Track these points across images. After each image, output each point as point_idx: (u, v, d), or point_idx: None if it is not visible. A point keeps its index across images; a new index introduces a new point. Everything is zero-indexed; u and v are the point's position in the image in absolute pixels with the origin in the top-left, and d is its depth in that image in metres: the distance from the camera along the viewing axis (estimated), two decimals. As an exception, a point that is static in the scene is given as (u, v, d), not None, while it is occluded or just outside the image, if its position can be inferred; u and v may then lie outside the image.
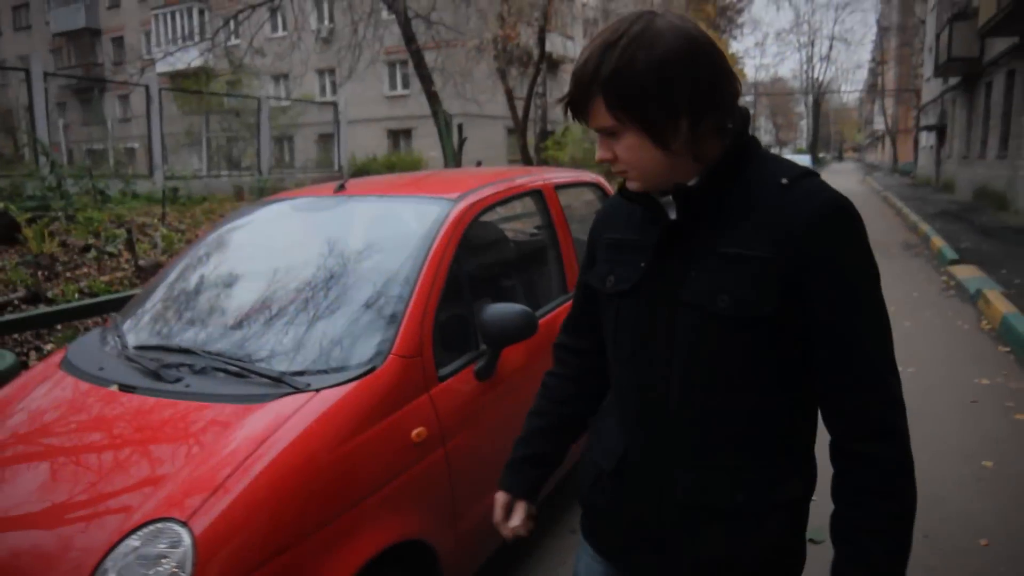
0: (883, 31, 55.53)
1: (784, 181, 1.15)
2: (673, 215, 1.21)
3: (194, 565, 1.55)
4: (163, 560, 1.56)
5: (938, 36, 22.94)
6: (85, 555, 1.60)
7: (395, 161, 24.95)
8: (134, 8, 38.95)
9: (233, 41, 24.65)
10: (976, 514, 3.33)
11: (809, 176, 1.16)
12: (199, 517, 1.61)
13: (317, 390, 1.96)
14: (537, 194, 3.31)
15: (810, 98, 54.87)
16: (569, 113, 1.16)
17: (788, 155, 37.18)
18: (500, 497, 1.47)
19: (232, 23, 16.38)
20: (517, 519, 1.46)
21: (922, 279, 9.07)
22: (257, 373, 2.03)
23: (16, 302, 5.19)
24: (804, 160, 29.89)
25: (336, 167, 21.77)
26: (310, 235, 2.81)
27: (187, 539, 1.58)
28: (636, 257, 1.25)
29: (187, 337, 2.36)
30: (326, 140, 28.35)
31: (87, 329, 4.96)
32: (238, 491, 1.67)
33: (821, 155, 60.57)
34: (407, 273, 2.31)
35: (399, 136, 30.42)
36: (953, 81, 24.22)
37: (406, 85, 29.93)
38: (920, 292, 8.23)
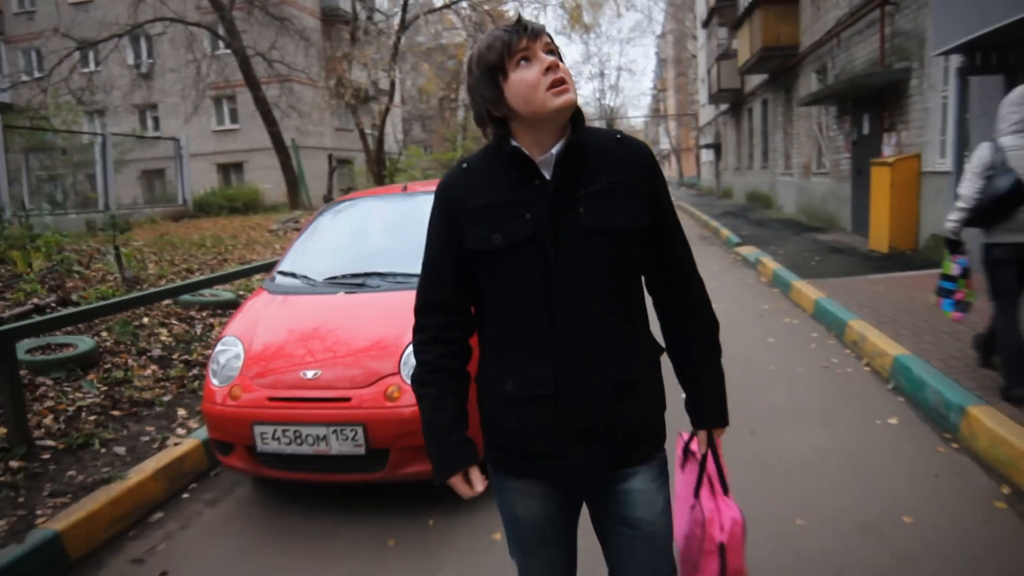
0: (662, 63, 62.70)
1: (618, 136, 1.60)
2: (547, 173, 1.52)
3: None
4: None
5: (709, 71, 27.47)
6: (395, 350, 3.44)
7: (234, 194, 25.47)
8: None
9: (36, 74, 24.03)
10: (761, 362, 5.75)
11: (624, 134, 1.61)
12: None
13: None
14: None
15: (603, 123, 60.60)
16: (526, 32, 1.48)
17: None
18: (458, 480, 1.59)
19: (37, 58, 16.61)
20: (480, 483, 1.59)
21: (718, 257, 12.08)
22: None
23: (53, 304, 6.35)
24: None
25: (180, 200, 22.12)
26: (398, 212, 4.69)
27: None
28: (518, 211, 1.51)
29: (359, 266, 4.15)
30: (149, 176, 28.25)
31: (123, 321, 6.27)
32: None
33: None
34: None
35: (230, 169, 30.73)
36: (724, 107, 28.95)
37: (234, 120, 30.42)
38: (718, 264, 11.14)
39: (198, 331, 6.48)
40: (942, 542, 2.96)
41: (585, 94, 57.12)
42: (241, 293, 7.71)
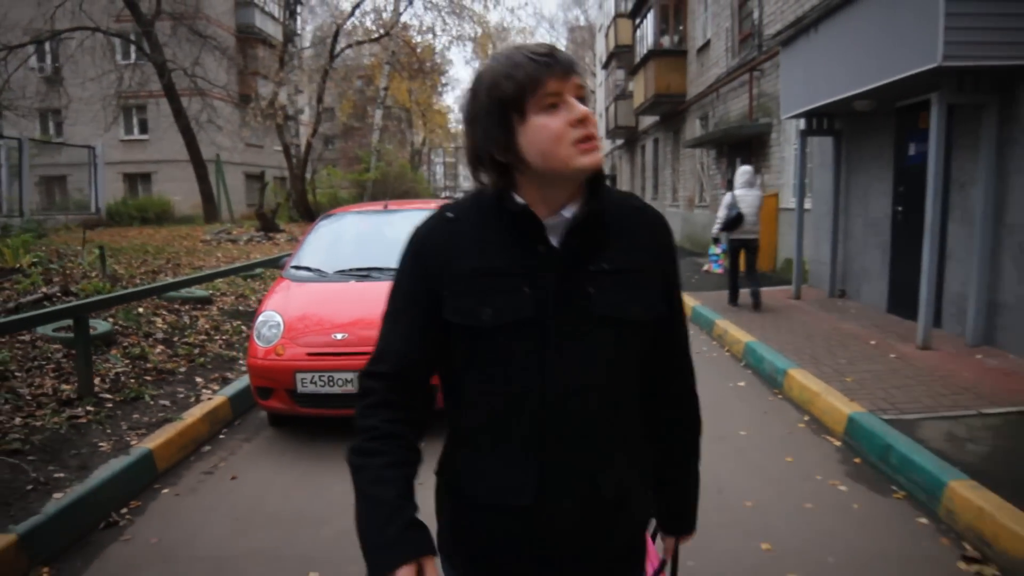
0: (561, 95, 65.69)
1: (638, 205, 1.34)
2: (554, 239, 1.24)
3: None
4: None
5: (607, 108, 29.90)
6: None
7: (145, 204, 25.66)
8: None
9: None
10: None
11: (643, 201, 1.38)
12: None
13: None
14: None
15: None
16: (558, 68, 1.18)
17: None
18: (406, 572, 1.15)
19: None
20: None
21: None
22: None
23: (59, 294, 7.31)
24: None
25: (94, 208, 22.29)
26: (384, 224, 6.10)
27: None
28: (514, 284, 1.22)
29: (363, 262, 5.54)
30: (49, 182, 27.96)
31: (126, 310, 7.33)
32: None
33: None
34: None
35: (137, 180, 30.67)
36: (620, 141, 31.49)
37: (144, 130, 30.45)
38: None
39: (187, 321, 7.61)
40: (764, 446, 4.67)
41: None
42: (212, 293, 8.83)
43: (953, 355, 6.06)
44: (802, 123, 9.59)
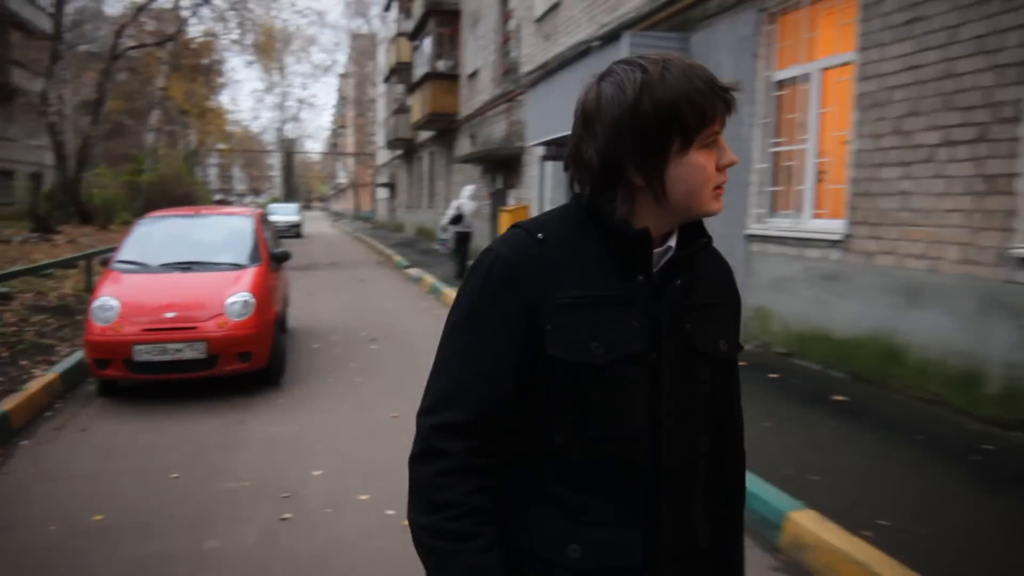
0: (343, 101, 66.29)
1: (706, 240, 1.19)
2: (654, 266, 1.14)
3: (255, 301, 6.33)
4: (246, 303, 6.31)
5: (387, 120, 31.54)
6: (219, 301, 6.23)
7: None
8: None
9: None
10: (422, 334, 9.25)
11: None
12: (252, 290, 6.39)
13: (249, 266, 6.77)
14: (261, 214, 8.26)
15: (282, 154, 62.31)
16: (729, 106, 1.08)
17: (270, 204, 41.56)
18: None
19: None
20: None
21: (391, 276, 15.79)
22: (230, 264, 6.74)
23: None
24: (291, 209, 34.76)
25: None
26: (197, 225, 7.35)
27: (251, 298, 6.34)
28: (622, 315, 1.10)
29: (184, 257, 6.78)
30: None
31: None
32: (257, 285, 6.50)
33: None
34: (254, 234, 7.21)
35: None
36: (399, 152, 33.22)
37: None
38: (391, 282, 14.83)
39: (-7, 311, 8.23)
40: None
41: (265, 123, 57.77)
42: (10, 290, 9.34)
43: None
44: (543, 150, 11.94)
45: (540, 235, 1.12)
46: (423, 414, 1.13)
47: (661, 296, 1.13)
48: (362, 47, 53.80)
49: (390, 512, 3.96)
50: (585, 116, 1.11)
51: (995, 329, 4.77)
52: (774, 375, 6.06)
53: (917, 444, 4.44)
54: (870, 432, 4.69)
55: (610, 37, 8.76)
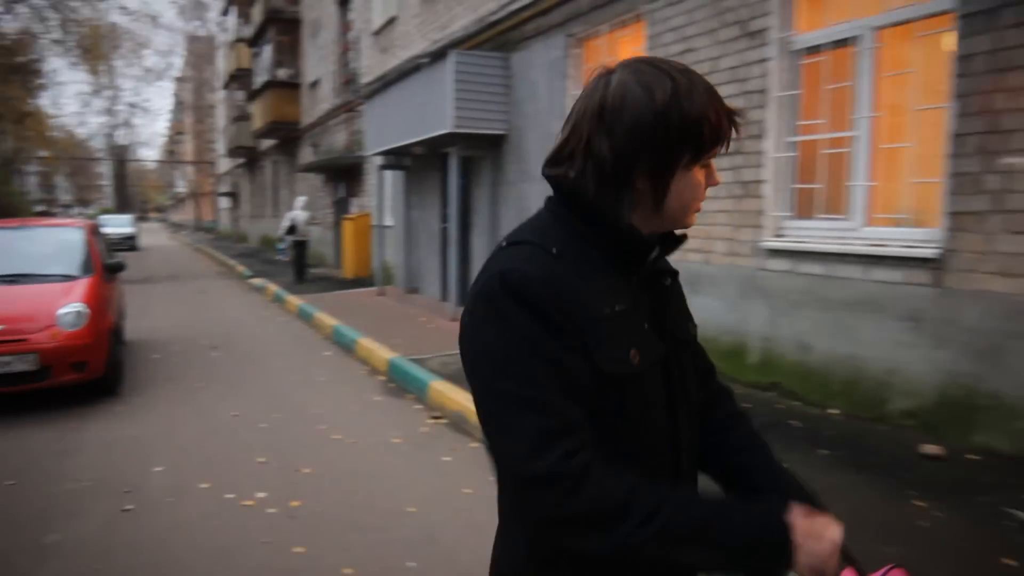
0: (181, 106, 63.16)
1: (682, 236, 1.22)
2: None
3: (89, 312, 6.39)
4: (79, 313, 6.35)
5: (227, 127, 30.68)
6: (50, 312, 6.24)
7: None
8: None
9: None
10: (264, 338, 9.44)
11: None
12: (85, 301, 6.43)
13: (81, 277, 6.79)
14: (93, 225, 8.19)
15: (112, 162, 58.45)
16: (737, 129, 1.11)
17: (101, 216, 39.30)
18: (799, 511, 1.05)
19: None
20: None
21: (235, 287, 15.66)
22: (61, 275, 6.73)
23: None
24: (125, 221, 33.42)
25: None
26: (25, 236, 7.23)
27: (84, 309, 6.39)
28: (638, 320, 1.11)
29: (7, 270, 6.68)
30: None
31: None
32: (91, 296, 6.54)
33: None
34: (86, 245, 7.21)
35: None
36: (241, 160, 32.36)
37: None
38: (234, 291, 14.74)
39: None
40: (340, 385, 6.99)
41: (93, 129, 54.06)
42: None
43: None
44: (381, 159, 12.37)
45: (554, 251, 1.06)
46: (526, 462, 0.97)
47: (653, 295, 1.17)
48: (200, 50, 51.60)
49: (229, 496, 4.30)
50: (603, 109, 1.06)
51: (753, 309, 5.76)
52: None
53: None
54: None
55: (438, 55, 9.35)
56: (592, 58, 7.87)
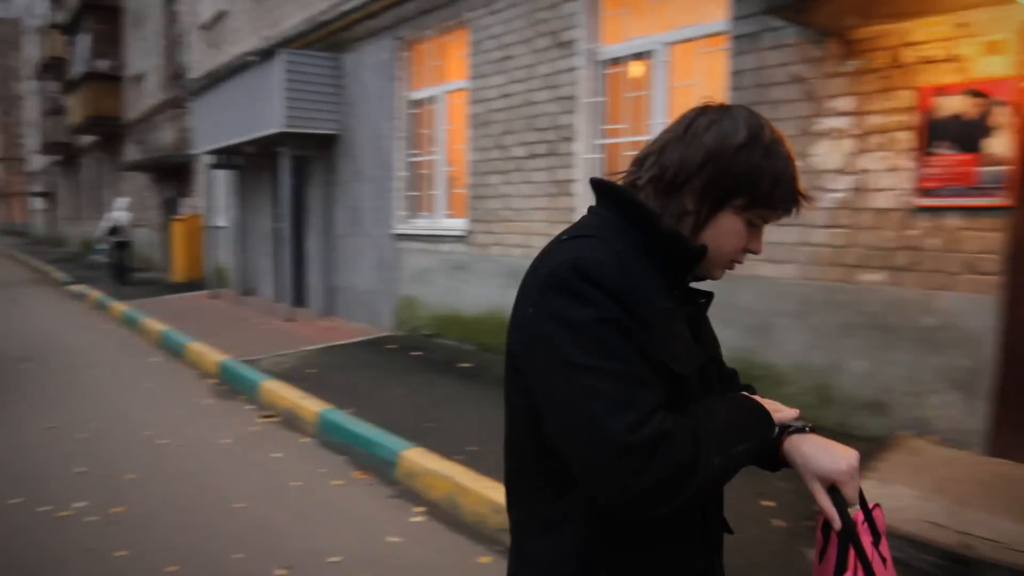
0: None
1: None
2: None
3: None
4: None
5: (40, 121, 28.30)
6: None
7: None
8: None
9: None
10: (89, 347, 8.95)
11: None
12: None
13: None
14: None
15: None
16: (796, 209, 1.14)
17: None
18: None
19: None
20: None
21: (51, 294, 14.60)
22: None
23: None
24: None
25: None
26: None
27: None
28: (683, 327, 1.13)
29: None
30: None
31: None
32: None
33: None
34: None
35: None
36: (57, 157, 29.93)
37: None
38: (52, 299, 13.74)
39: None
40: (171, 390, 6.81)
41: None
42: None
43: (305, 323, 9.14)
44: (211, 158, 12.00)
45: (618, 247, 1.07)
46: (632, 431, 0.95)
47: (689, 311, 1.18)
48: (4, 34, 47.05)
49: (44, 508, 4.14)
50: (691, 126, 1.12)
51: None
52: (417, 353, 7.09)
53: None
54: (482, 388, 5.86)
55: (267, 53, 9.25)
56: (420, 61, 8.10)
